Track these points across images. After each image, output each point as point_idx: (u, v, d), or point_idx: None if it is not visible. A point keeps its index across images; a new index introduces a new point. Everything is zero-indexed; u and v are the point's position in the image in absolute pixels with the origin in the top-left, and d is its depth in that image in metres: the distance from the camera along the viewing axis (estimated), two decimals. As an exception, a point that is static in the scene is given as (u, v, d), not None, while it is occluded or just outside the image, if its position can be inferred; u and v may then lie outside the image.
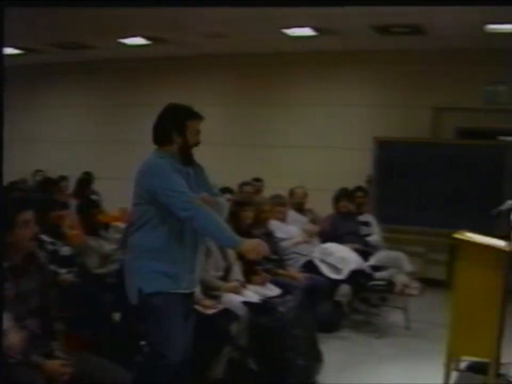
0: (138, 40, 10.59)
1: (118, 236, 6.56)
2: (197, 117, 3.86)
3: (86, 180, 9.79)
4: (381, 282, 7.10)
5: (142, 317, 3.79)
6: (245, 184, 8.49)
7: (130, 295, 3.77)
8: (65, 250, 5.53)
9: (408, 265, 7.83)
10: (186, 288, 3.85)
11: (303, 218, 7.77)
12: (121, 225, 6.96)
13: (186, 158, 3.82)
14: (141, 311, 3.75)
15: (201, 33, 9.90)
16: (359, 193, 8.48)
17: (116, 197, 8.41)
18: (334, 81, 10.76)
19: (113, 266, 5.65)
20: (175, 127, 3.78)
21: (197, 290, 4.93)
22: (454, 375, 5.46)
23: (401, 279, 7.51)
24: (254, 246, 3.63)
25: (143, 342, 4.80)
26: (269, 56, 10.86)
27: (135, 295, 3.72)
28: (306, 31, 9.51)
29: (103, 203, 7.47)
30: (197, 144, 3.84)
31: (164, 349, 3.67)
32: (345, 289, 7.25)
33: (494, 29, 8.60)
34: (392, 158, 9.88)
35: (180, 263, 3.73)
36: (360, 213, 8.29)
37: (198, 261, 3.90)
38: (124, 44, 10.82)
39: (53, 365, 3.32)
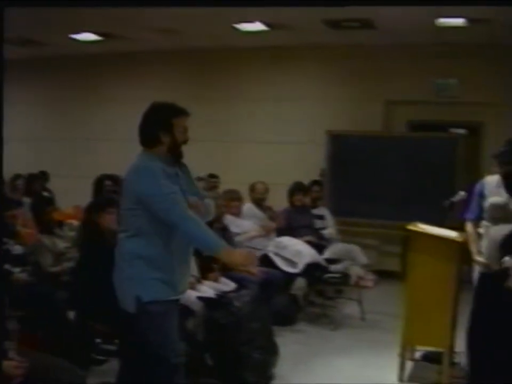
0: (90, 36, 10.47)
1: (72, 233, 6.49)
2: (183, 113, 3.74)
3: (36, 177, 9.63)
4: (336, 275, 7.15)
5: (139, 324, 3.65)
6: (199, 179, 8.46)
7: (126, 303, 3.63)
8: (17, 249, 5.44)
9: (362, 258, 7.90)
10: (182, 292, 3.84)
11: (261, 214, 7.76)
12: (75, 222, 6.87)
13: (176, 157, 3.72)
14: (139, 319, 3.62)
15: (153, 29, 9.83)
16: (315, 188, 8.52)
17: (71, 194, 8.35)
18: (287, 75, 10.79)
19: (67, 264, 5.59)
20: (161, 127, 3.64)
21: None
22: (408, 364, 5.55)
23: (355, 271, 7.58)
24: (241, 257, 3.54)
25: (98, 340, 4.78)
26: (222, 51, 10.85)
27: (132, 303, 3.59)
28: (258, 26, 9.52)
29: (57, 201, 7.39)
30: (185, 141, 3.72)
31: (166, 352, 3.63)
32: (300, 282, 7.29)
33: (444, 23, 8.71)
34: (345, 151, 9.97)
35: (176, 268, 3.64)
36: (315, 207, 8.34)
37: (190, 263, 3.88)
38: (76, 40, 10.68)
39: (6, 366, 3.26)
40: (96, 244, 4.81)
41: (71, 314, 4.93)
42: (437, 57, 9.83)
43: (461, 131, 10.24)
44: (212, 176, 9.45)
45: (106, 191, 7.19)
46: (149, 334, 3.61)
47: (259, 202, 7.84)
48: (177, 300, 3.77)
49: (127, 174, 3.67)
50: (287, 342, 5.91)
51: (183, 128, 3.70)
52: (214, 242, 3.47)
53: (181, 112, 3.73)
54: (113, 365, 4.48)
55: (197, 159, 10.70)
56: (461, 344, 5.37)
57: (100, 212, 5.01)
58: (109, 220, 4.96)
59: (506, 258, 4.30)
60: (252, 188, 7.98)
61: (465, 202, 5.30)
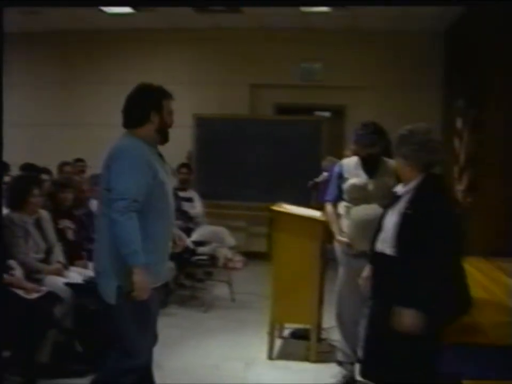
0: None
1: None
2: (170, 96, 3.70)
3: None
4: (204, 257, 7.21)
5: (118, 316, 3.53)
6: (65, 164, 8.28)
7: (106, 294, 3.51)
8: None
9: (230, 240, 8.00)
10: (164, 279, 3.76)
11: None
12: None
13: (163, 138, 3.65)
14: (119, 310, 3.50)
15: (17, 10, 9.44)
16: (183, 170, 8.51)
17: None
18: (153, 59, 10.66)
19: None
20: (153, 107, 3.59)
21: (18, 273, 4.79)
22: (278, 342, 5.69)
23: (224, 253, 7.67)
24: (143, 287, 3.41)
25: None
26: (89, 33, 10.58)
27: (113, 293, 3.47)
28: (124, 9, 9.37)
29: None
30: (171, 124, 3.67)
31: (136, 350, 3.54)
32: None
33: (309, 8, 8.89)
34: (212, 134, 10.02)
35: (159, 253, 3.56)
36: (183, 189, 8.34)
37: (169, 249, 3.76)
38: None
39: None
40: None
41: None
42: (302, 42, 10.05)
43: (325, 114, 10.56)
44: (79, 160, 9.24)
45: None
46: (125, 329, 3.53)
47: None
48: (160, 286, 3.69)
49: (109, 152, 3.56)
50: (159, 325, 5.83)
51: (169, 111, 3.67)
52: (136, 254, 3.36)
53: (169, 95, 3.70)
54: None
55: (63, 142, 10.47)
56: (328, 320, 5.58)
57: None
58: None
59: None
60: None
61: (327, 184, 5.43)
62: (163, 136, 3.66)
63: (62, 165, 8.20)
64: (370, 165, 4.74)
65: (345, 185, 4.75)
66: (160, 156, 3.68)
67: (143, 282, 3.39)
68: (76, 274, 5.32)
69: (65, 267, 5.33)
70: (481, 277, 5.86)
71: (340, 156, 5.92)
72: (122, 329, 3.55)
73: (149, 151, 3.55)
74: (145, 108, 3.60)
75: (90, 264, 5.81)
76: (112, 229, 3.37)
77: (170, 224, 3.69)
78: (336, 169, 4.97)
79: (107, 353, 3.66)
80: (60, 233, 5.57)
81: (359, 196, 4.65)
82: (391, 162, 4.70)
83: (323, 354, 5.44)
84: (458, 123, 8.14)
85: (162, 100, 3.65)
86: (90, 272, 5.56)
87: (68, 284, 4.97)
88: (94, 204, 6.84)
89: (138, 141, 3.55)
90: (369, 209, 4.58)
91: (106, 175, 3.48)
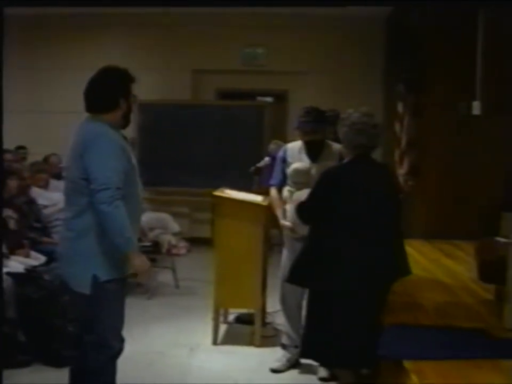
0: None
1: None
2: (134, 80, 3.61)
3: None
4: (148, 244, 7.16)
5: (92, 306, 3.41)
6: (5, 152, 8.10)
7: (78, 283, 3.40)
8: None
9: (174, 226, 7.98)
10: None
11: (63, 184, 7.53)
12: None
13: (126, 122, 3.57)
14: (93, 300, 3.38)
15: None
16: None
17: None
18: (94, 43, 10.45)
19: None
20: (122, 92, 3.50)
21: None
22: (223, 328, 5.71)
23: (167, 239, 7.63)
24: (142, 264, 3.41)
25: None
26: (27, 17, 10.32)
27: (87, 282, 3.35)
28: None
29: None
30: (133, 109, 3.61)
31: (111, 339, 3.46)
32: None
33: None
34: (154, 120, 9.94)
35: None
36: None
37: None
38: None
39: None
40: None
41: None
42: (244, 27, 10.02)
43: (268, 99, 10.58)
44: (20, 147, 9.07)
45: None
46: (100, 317, 3.42)
47: (56, 175, 7.61)
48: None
49: (80, 139, 3.42)
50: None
51: (133, 95, 3.60)
52: (130, 241, 3.33)
53: (134, 79, 3.62)
54: None
55: (4, 130, 10.20)
56: (272, 304, 5.61)
57: None
58: None
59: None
60: (46, 160, 7.78)
61: (270, 168, 5.45)
62: (126, 120, 3.59)
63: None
64: (313, 150, 4.77)
65: (289, 170, 4.78)
66: (125, 139, 3.60)
67: (143, 264, 3.41)
68: (17, 264, 5.24)
69: (7, 257, 5.24)
70: (422, 258, 5.99)
71: (285, 140, 5.94)
72: (96, 319, 3.44)
73: (118, 136, 3.48)
74: (115, 93, 3.50)
75: (32, 253, 5.76)
76: (101, 220, 3.27)
77: (140, 209, 3.64)
78: (280, 153, 4.99)
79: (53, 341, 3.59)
80: (2, 222, 5.46)
81: (303, 180, 4.67)
82: (335, 146, 4.75)
83: (268, 338, 5.49)
84: (399, 107, 8.24)
85: (130, 84, 3.59)
86: (32, 261, 5.50)
87: (8, 274, 4.88)
88: (34, 192, 6.76)
89: (107, 126, 3.43)
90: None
91: (79, 164, 3.35)
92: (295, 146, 4.90)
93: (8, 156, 7.89)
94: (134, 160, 3.53)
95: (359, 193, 3.75)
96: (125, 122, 3.57)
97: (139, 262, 3.38)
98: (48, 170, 7.45)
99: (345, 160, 3.95)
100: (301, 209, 4.06)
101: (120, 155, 3.37)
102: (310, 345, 3.95)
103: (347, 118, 3.86)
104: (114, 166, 3.30)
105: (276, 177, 4.98)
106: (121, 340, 3.57)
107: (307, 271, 3.88)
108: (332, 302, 3.75)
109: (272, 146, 8.47)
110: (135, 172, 3.54)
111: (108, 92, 3.50)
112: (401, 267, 3.81)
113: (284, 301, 4.96)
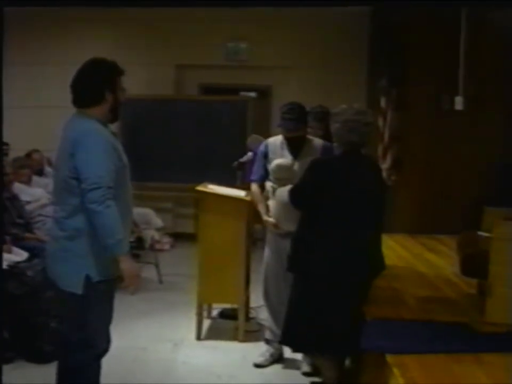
0: None
1: None
2: (123, 72, 3.51)
3: None
4: (131, 239, 7.13)
5: (83, 306, 3.39)
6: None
7: (68, 283, 3.37)
8: None
9: (157, 221, 7.97)
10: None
11: (45, 181, 7.52)
12: None
13: (114, 116, 3.50)
14: (84, 300, 3.37)
15: None
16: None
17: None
18: (76, 39, 10.38)
19: None
20: (107, 85, 3.39)
21: None
22: (206, 323, 5.71)
23: (151, 234, 7.63)
24: (132, 271, 3.38)
25: None
26: (12, 12, 10.20)
27: (80, 282, 3.32)
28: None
29: None
30: (123, 102, 3.51)
31: (98, 339, 3.46)
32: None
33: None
34: (137, 115, 9.86)
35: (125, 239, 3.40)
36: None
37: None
38: None
39: None
40: None
41: None
42: (227, 21, 9.98)
43: (252, 94, 10.56)
44: (2, 143, 9.01)
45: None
46: (88, 318, 3.41)
47: (38, 171, 7.58)
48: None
49: (71, 136, 3.32)
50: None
51: (122, 88, 3.50)
52: (121, 243, 3.27)
53: (122, 71, 3.52)
54: None
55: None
56: (255, 299, 5.62)
57: None
58: None
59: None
60: (28, 157, 7.76)
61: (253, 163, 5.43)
62: (114, 114, 3.52)
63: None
64: (295, 145, 4.76)
65: (271, 166, 4.76)
66: (114, 135, 3.56)
67: (132, 269, 3.36)
68: (-1, 260, 5.20)
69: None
70: (405, 253, 6.01)
71: (266, 135, 5.92)
72: (85, 319, 3.42)
73: (108, 132, 3.42)
74: (100, 85, 3.41)
75: (15, 249, 5.72)
76: (92, 220, 3.22)
77: (131, 210, 3.59)
78: (262, 148, 4.97)
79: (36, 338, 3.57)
80: (2, 220, 5.44)
81: (286, 176, 4.66)
82: (316, 142, 4.76)
83: (251, 333, 5.50)
84: (382, 102, 8.26)
85: (116, 76, 3.49)
86: (14, 257, 5.46)
87: (-10, 269, 4.85)
88: (17, 188, 6.72)
89: (96, 122, 3.37)
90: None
91: (69, 164, 3.27)
92: (276, 142, 4.88)
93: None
94: (125, 158, 3.46)
95: (347, 186, 3.78)
96: (112, 117, 3.51)
97: (128, 266, 3.33)
98: (30, 166, 7.42)
99: (336, 154, 3.99)
100: (294, 192, 4.08)
101: (111, 153, 3.31)
102: (291, 332, 3.99)
103: (340, 114, 3.87)
104: (105, 164, 3.24)
105: (256, 172, 4.96)
106: (108, 341, 3.57)
107: (293, 257, 3.98)
108: (313, 288, 3.82)
109: (250, 141, 8.44)
110: (126, 171, 3.47)
111: (93, 84, 3.41)
112: (377, 261, 3.90)
113: (267, 296, 4.96)
